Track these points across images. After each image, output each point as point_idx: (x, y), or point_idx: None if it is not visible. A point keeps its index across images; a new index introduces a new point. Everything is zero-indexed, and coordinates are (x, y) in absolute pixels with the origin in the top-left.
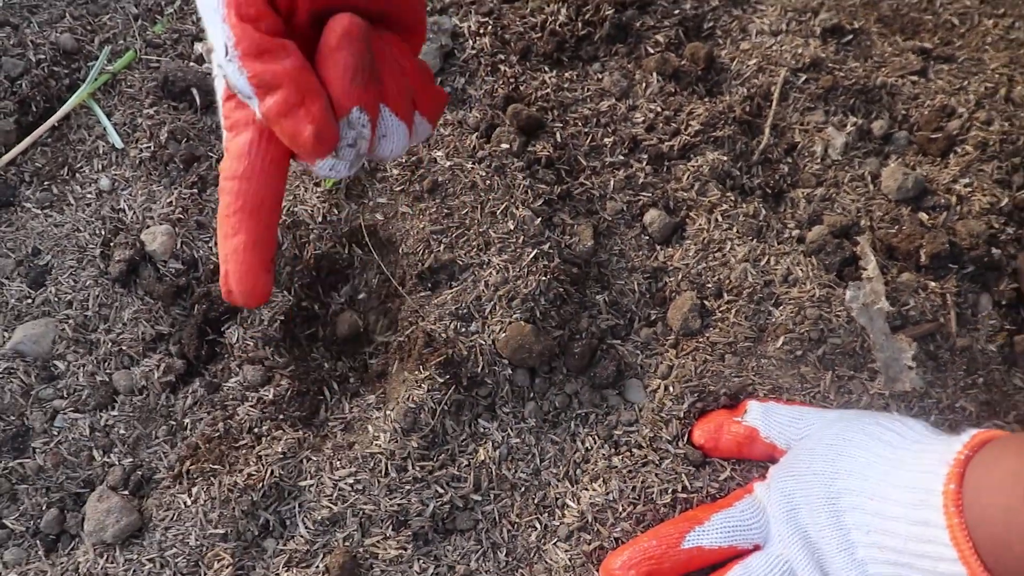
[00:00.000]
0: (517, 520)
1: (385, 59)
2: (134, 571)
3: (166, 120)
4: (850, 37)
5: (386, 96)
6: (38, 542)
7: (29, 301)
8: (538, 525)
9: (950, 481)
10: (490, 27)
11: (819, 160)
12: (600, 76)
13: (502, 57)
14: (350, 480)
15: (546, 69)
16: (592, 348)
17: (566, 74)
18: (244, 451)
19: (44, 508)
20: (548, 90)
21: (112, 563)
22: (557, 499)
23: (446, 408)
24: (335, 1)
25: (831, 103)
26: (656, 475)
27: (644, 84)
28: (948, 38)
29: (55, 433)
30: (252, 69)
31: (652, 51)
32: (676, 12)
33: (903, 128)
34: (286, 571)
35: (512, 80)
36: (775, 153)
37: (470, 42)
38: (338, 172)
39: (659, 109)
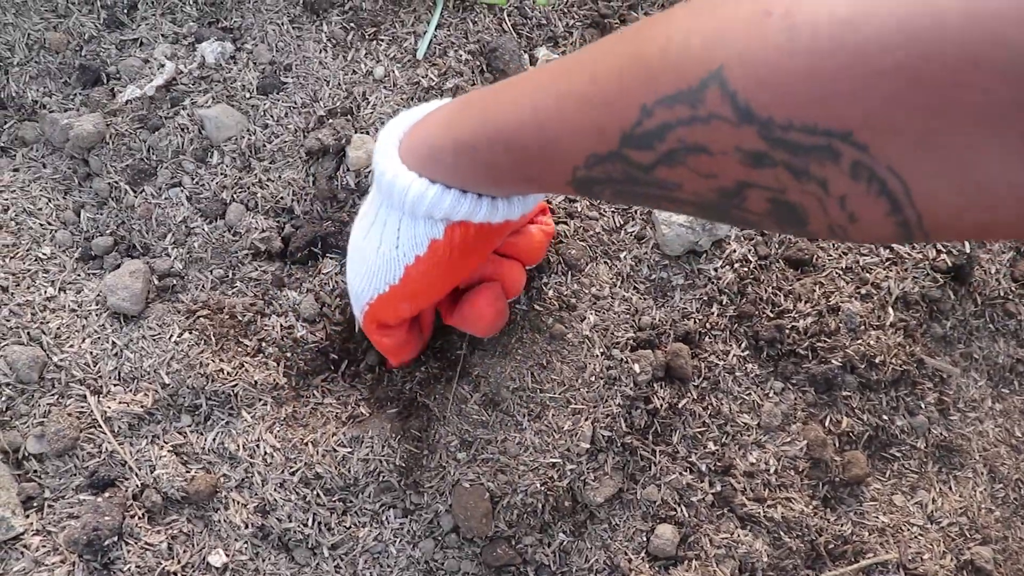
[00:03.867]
0: None
1: None
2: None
3: (463, 70)
4: None
5: None
6: (80, 247)
7: (255, 101)
8: None
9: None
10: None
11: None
12: (771, 396)
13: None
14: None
15: (751, 362)
16: None
17: (751, 366)
18: (236, 349)
19: (107, 233)
20: (721, 363)
21: (93, 328)
22: None
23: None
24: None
25: None
26: None
27: (804, 449)
28: None
29: (161, 196)
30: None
31: (825, 426)
32: None
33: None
34: None
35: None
36: None
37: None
38: None
39: (775, 470)
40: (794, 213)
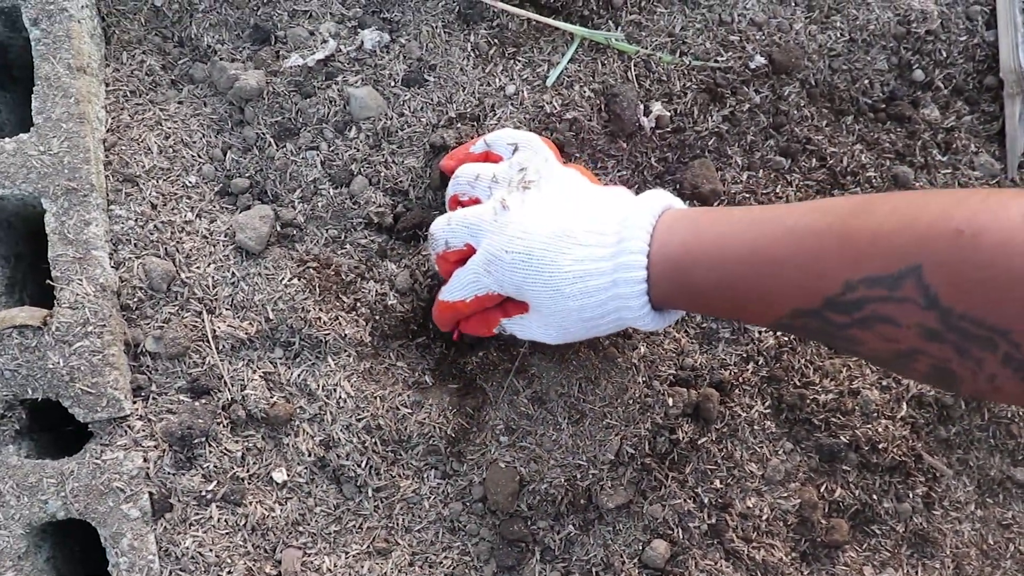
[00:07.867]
0: None
1: None
2: (210, 255)
3: (583, 105)
4: None
5: None
6: (221, 183)
7: (397, 91)
8: None
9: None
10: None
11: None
12: (779, 454)
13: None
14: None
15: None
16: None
17: (769, 424)
18: (335, 302)
19: (246, 176)
20: (743, 415)
21: (219, 256)
22: None
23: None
24: None
25: None
26: None
27: (797, 507)
28: None
29: (299, 155)
30: None
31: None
32: None
33: None
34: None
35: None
36: None
37: None
38: None
39: (767, 518)
40: (950, 378)
